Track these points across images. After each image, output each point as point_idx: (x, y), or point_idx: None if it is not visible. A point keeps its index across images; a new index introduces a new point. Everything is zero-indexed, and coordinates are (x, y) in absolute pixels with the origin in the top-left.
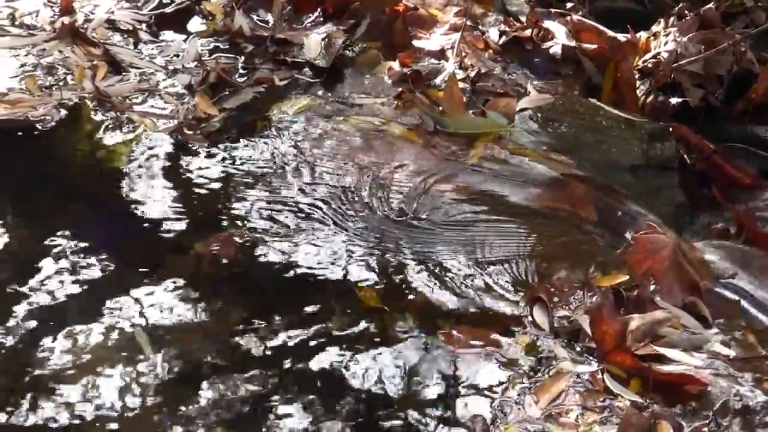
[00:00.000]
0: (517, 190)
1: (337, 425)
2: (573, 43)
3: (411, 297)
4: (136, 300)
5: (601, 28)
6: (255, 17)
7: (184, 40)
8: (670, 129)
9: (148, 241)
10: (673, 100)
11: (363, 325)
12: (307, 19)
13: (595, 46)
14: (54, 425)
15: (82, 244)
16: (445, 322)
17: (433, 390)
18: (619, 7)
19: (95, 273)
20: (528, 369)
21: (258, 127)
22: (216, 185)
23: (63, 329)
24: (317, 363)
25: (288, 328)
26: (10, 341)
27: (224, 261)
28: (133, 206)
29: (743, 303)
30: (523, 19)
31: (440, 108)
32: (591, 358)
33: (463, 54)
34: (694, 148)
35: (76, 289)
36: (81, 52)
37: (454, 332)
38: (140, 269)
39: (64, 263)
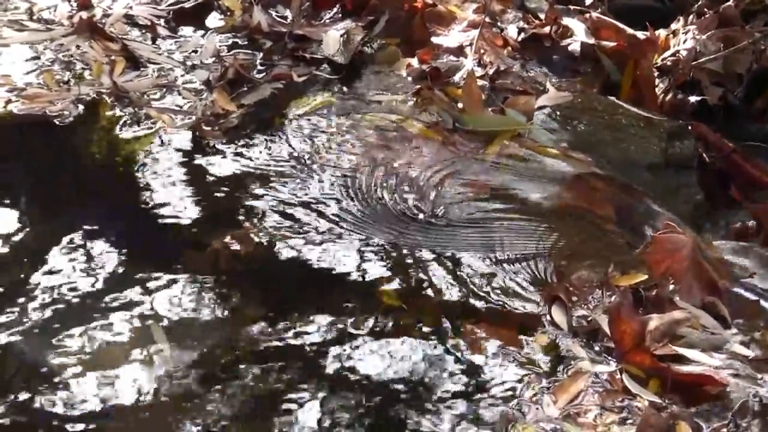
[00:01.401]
0: (536, 189)
1: (354, 422)
2: (592, 41)
3: (429, 295)
4: (153, 295)
5: (621, 25)
6: (273, 13)
7: (203, 36)
8: (689, 127)
9: (165, 237)
10: (692, 99)
11: (381, 323)
12: (325, 16)
13: (614, 44)
14: (69, 419)
15: (99, 239)
16: (463, 321)
17: (451, 388)
18: (639, 4)
19: (111, 268)
20: (546, 368)
21: (276, 124)
22: (233, 181)
23: (79, 324)
24: (334, 360)
25: (305, 325)
26: (25, 335)
27: (241, 257)
28: (150, 202)
29: (762, 303)
30: (542, 16)
31: (459, 105)
32: (610, 357)
33: (482, 51)
34: (713, 147)
35: (92, 283)
36: (99, 47)
37: (473, 331)
38: (157, 265)
39: (80, 258)
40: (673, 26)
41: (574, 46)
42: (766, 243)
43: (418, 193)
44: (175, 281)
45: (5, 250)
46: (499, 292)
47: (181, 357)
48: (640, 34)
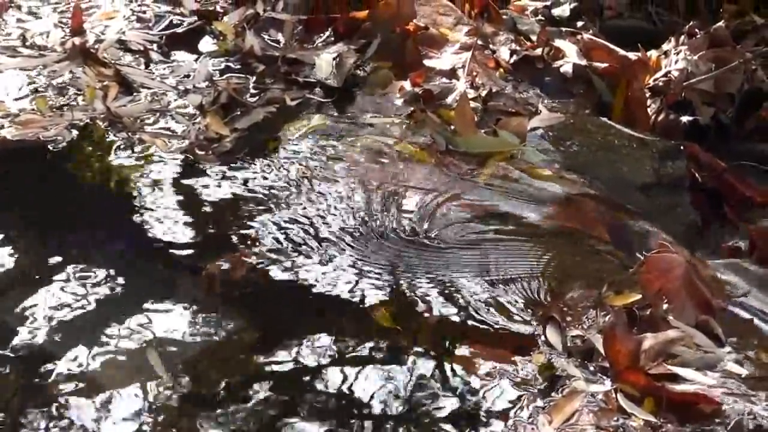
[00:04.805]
0: (529, 209)
1: None
2: (584, 62)
3: (424, 316)
4: (148, 320)
5: (612, 46)
6: (266, 37)
7: (196, 60)
8: (682, 147)
9: (159, 262)
10: (684, 119)
11: (376, 345)
12: (318, 39)
13: (606, 65)
14: None
15: (93, 265)
16: (457, 342)
17: (446, 410)
18: (630, 25)
19: (106, 293)
20: (541, 388)
21: (269, 147)
22: (227, 205)
23: (74, 349)
24: (329, 383)
25: (300, 348)
26: (21, 361)
27: (236, 281)
28: (144, 226)
29: (756, 321)
30: (534, 38)
31: (452, 127)
32: (604, 377)
33: (474, 73)
34: (706, 167)
35: (87, 309)
36: (92, 72)
37: (467, 352)
38: (151, 289)
39: (74, 284)
40: (665, 47)
41: (566, 68)
42: (759, 262)
43: (413, 215)
44: (170, 306)
45: None
46: (493, 312)
47: (176, 381)
48: (632, 55)
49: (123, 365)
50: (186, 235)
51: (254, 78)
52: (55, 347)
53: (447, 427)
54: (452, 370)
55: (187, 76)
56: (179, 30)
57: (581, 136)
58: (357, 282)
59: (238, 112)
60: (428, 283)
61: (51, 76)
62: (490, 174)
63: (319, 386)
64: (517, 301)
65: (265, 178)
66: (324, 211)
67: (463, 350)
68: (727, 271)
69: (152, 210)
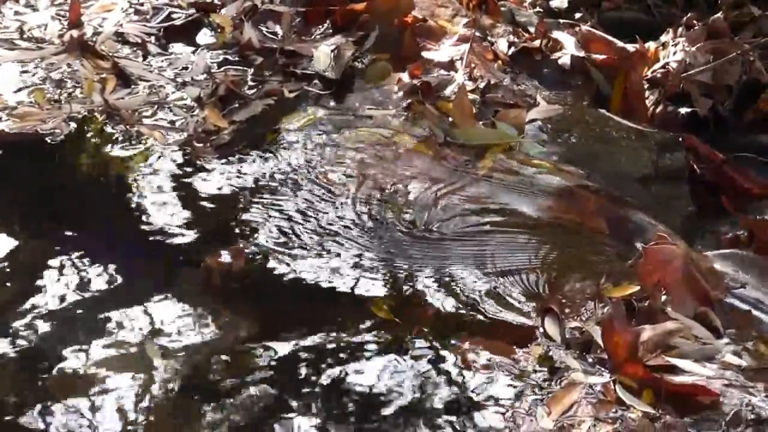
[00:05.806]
0: (528, 202)
1: None
2: (582, 54)
3: (422, 309)
4: (147, 312)
5: (610, 38)
6: (264, 29)
7: (193, 53)
8: (680, 139)
9: (158, 254)
10: (683, 110)
11: (374, 337)
12: (316, 31)
13: (604, 57)
14: None
15: (92, 257)
16: (456, 334)
17: (445, 402)
18: (628, 17)
19: (105, 286)
20: (540, 380)
21: (267, 140)
22: (226, 198)
23: (73, 342)
24: (328, 375)
25: (299, 340)
26: (20, 354)
27: (234, 273)
28: (142, 219)
29: (754, 312)
30: (532, 29)
31: (450, 119)
32: (603, 369)
33: (473, 65)
34: (704, 158)
35: (86, 302)
36: (90, 65)
37: (466, 344)
38: (150, 282)
39: (74, 277)
40: (663, 38)
41: (564, 60)
42: (757, 253)
43: (411, 207)
44: (168, 298)
45: None
46: (492, 304)
47: (175, 373)
48: (630, 47)
49: (122, 357)
50: (184, 227)
51: (252, 70)
52: (54, 340)
53: (445, 418)
54: (451, 361)
55: (185, 68)
56: (177, 22)
57: (579, 127)
58: (356, 274)
59: (236, 105)
60: (427, 275)
61: (49, 69)
62: (489, 166)
63: (318, 378)
64: (515, 293)
65: (264, 170)
66: (322, 204)
67: (461, 342)
68: (725, 262)
69: (150, 202)
